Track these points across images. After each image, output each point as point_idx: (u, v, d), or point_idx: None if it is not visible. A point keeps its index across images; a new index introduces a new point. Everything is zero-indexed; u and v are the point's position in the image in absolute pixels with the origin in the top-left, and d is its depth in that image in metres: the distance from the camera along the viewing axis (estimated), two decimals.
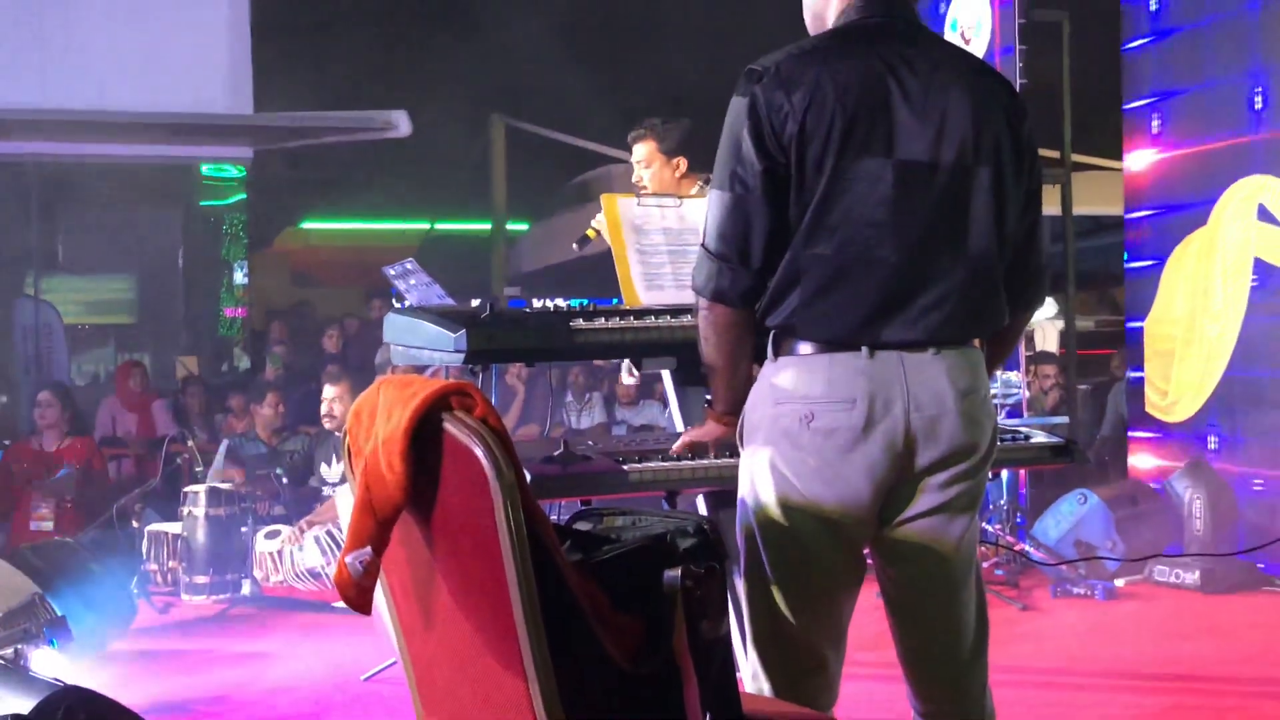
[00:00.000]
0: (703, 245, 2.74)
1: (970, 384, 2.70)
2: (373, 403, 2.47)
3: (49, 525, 8.04)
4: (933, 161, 2.66)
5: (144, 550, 7.53)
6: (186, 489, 7.49)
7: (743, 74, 2.70)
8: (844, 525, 2.68)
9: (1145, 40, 8.09)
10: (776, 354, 2.72)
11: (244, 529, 7.34)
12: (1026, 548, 7.29)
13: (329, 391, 7.89)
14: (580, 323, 3.31)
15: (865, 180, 2.63)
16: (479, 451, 2.29)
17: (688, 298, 3.31)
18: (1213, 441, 7.57)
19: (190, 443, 8.23)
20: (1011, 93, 2.83)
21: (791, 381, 2.68)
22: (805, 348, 2.68)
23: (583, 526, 2.82)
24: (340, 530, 7.10)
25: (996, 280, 2.76)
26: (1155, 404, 8.02)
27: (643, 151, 4.74)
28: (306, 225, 22.93)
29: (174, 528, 7.49)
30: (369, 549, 2.40)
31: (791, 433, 2.66)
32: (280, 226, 21.27)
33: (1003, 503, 7.55)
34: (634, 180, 4.80)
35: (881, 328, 2.65)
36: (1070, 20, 8.93)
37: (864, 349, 2.64)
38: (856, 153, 2.63)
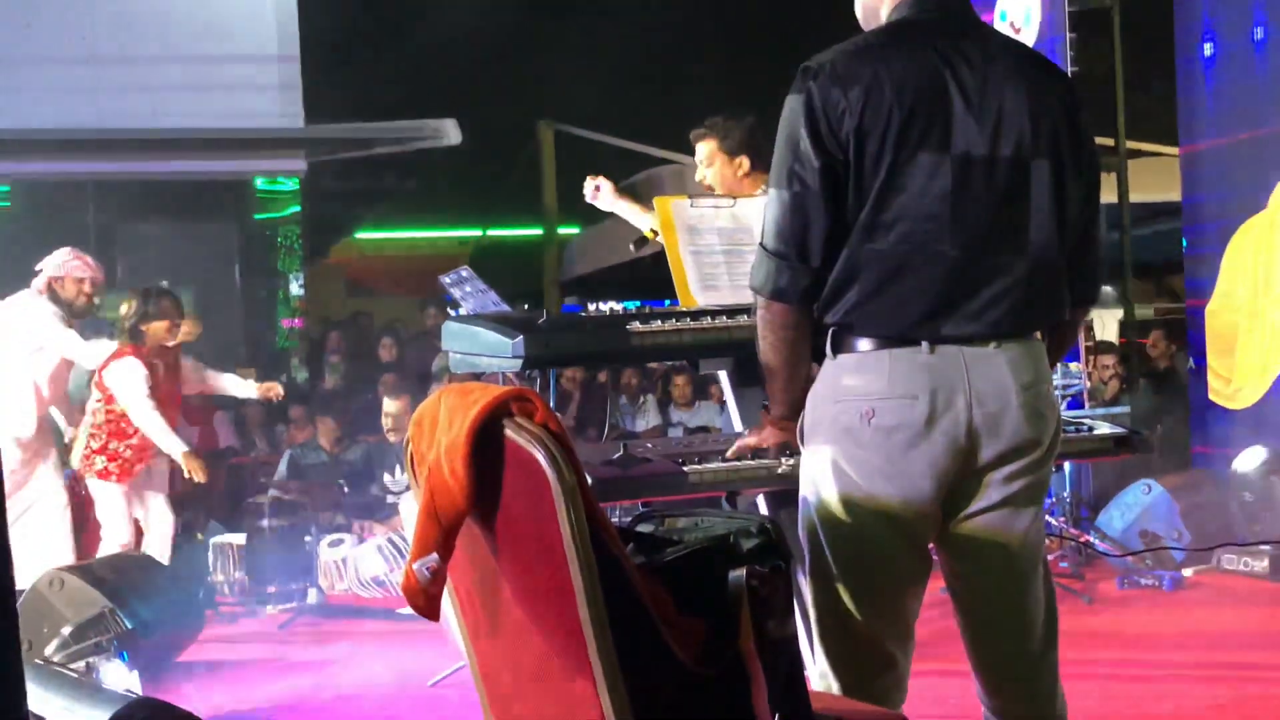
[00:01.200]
0: (761, 244, 2.72)
1: (1033, 377, 2.68)
2: (434, 411, 2.49)
3: None
4: (991, 155, 2.64)
5: (210, 562, 7.60)
6: (250, 500, 7.55)
7: (799, 71, 2.69)
8: (908, 522, 2.67)
9: (1198, 23, 7.99)
10: (836, 351, 2.70)
11: (307, 538, 7.40)
12: (1091, 539, 7.23)
13: (390, 406, 7.92)
14: (637, 325, 3.32)
15: (923, 175, 2.62)
16: (540, 456, 2.30)
17: (743, 298, 3.31)
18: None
19: (253, 454, 8.29)
20: (1068, 84, 2.82)
21: (852, 378, 2.66)
22: (865, 344, 2.66)
23: (644, 528, 2.82)
24: (402, 538, 7.14)
25: (1059, 272, 2.74)
26: (1218, 391, 7.93)
27: (705, 150, 4.69)
28: (360, 235, 23.07)
29: (239, 539, 7.56)
30: (435, 555, 2.41)
31: (853, 430, 2.65)
32: (335, 237, 21.41)
33: (1066, 494, 7.49)
34: (697, 179, 4.78)
35: (942, 323, 2.63)
36: (1120, 6, 8.86)
37: (924, 344, 2.62)
38: (914, 148, 2.62)
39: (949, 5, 2.77)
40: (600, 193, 4.82)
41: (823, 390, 2.72)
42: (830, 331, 2.71)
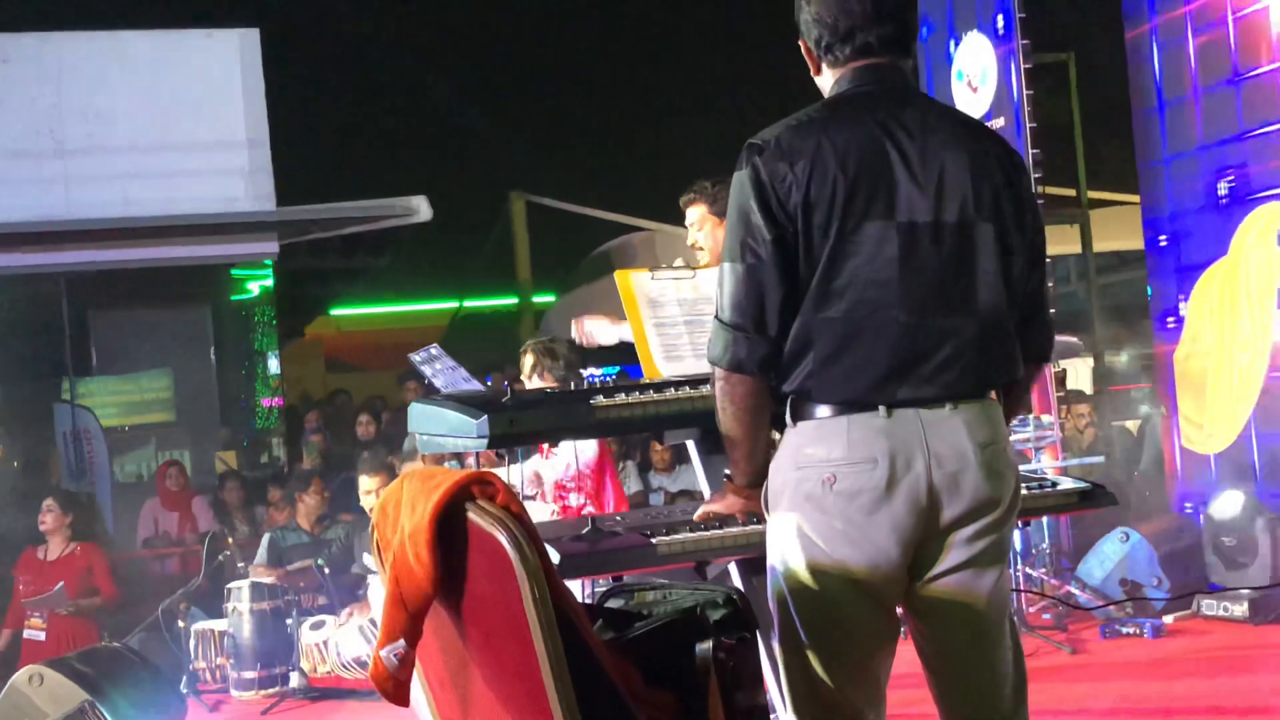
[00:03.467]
0: (716, 317, 2.77)
1: (989, 436, 2.72)
2: (397, 496, 2.51)
3: (41, 636, 7.97)
4: (935, 220, 2.71)
5: (191, 649, 7.55)
6: (230, 585, 7.52)
7: (744, 147, 2.76)
8: (874, 585, 2.69)
9: (1151, 74, 8.11)
10: (795, 419, 2.74)
11: (289, 621, 7.37)
12: (1072, 590, 7.24)
13: (368, 483, 7.82)
14: (601, 400, 3.33)
15: (870, 243, 2.68)
16: (503, 538, 2.33)
17: (707, 367, 3.32)
18: (1251, 469, 7.52)
19: (230, 539, 8.25)
20: (1007, 149, 2.88)
21: (812, 445, 2.70)
22: (823, 410, 2.70)
23: (614, 604, 2.85)
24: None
25: (1008, 332, 2.80)
26: (1190, 436, 7.98)
27: (695, 214, 4.74)
28: (337, 312, 23.12)
29: (220, 624, 7.52)
30: (402, 642, 2.43)
31: (815, 496, 2.68)
32: (311, 315, 21.48)
33: (1045, 546, 7.50)
34: (688, 243, 4.80)
35: (896, 387, 2.67)
36: (1075, 61, 8.98)
37: (881, 409, 2.66)
38: (860, 217, 2.68)
39: (887, 78, 2.83)
40: (596, 334, 4.73)
41: (784, 458, 2.75)
42: (789, 400, 2.75)
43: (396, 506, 2.50)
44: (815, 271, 2.69)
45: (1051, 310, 2.98)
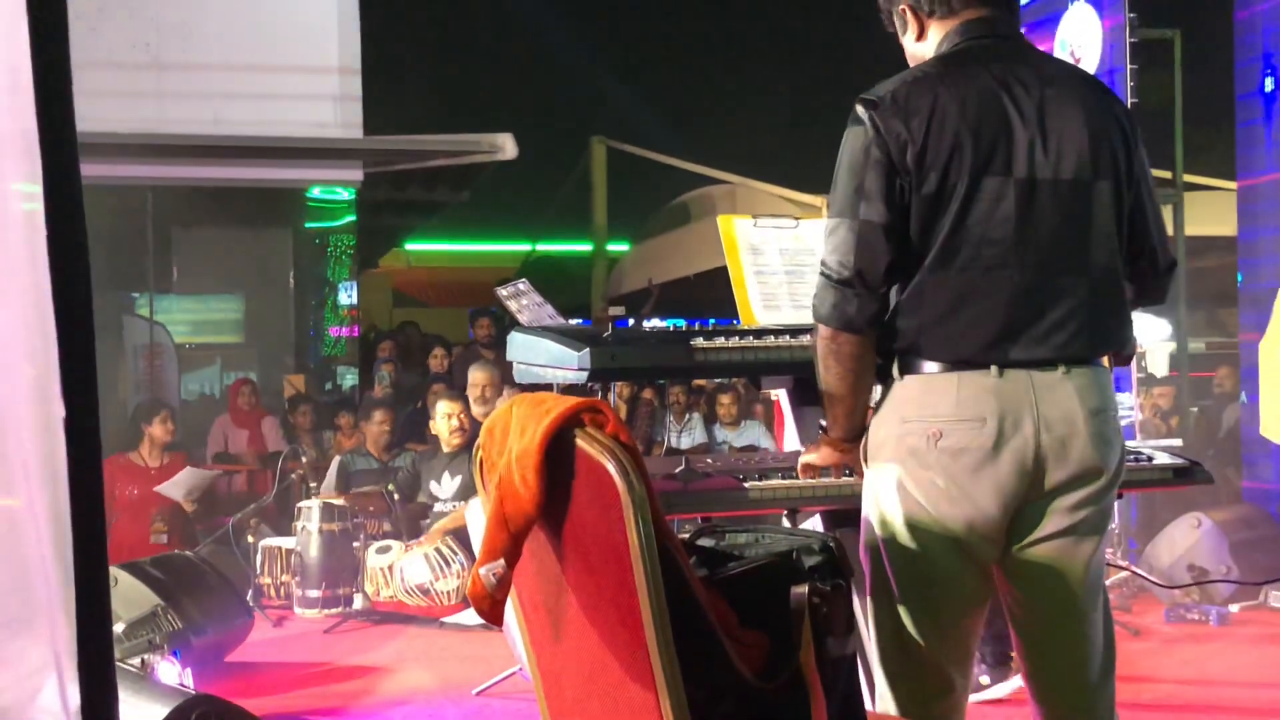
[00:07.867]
0: (823, 274, 2.72)
1: (1100, 403, 2.69)
2: (506, 419, 2.52)
3: (164, 539, 8.17)
4: (1053, 178, 2.67)
5: (258, 564, 7.67)
6: (300, 504, 7.62)
7: (857, 102, 2.71)
8: (971, 545, 2.68)
9: (1259, 59, 7.96)
10: (902, 373, 2.72)
11: (355, 544, 7.46)
12: (1139, 571, 7.19)
13: (448, 407, 7.99)
14: (700, 342, 3.33)
15: (987, 200, 2.64)
16: (611, 467, 2.33)
17: (804, 318, 3.32)
18: None
19: (304, 459, 8.34)
20: (1123, 107, 2.85)
21: (918, 400, 2.68)
22: (932, 366, 2.68)
23: (705, 543, 2.85)
24: (449, 546, 7.18)
25: (1121, 294, 2.77)
26: (1269, 426, 7.87)
27: None
28: (410, 247, 23.22)
29: (288, 543, 7.63)
30: (502, 561, 2.45)
31: (919, 451, 2.67)
32: (386, 247, 21.58)
33: (1114, 526, 7.45)
34: None
35: (1009, 347, 2.65)
36: (1181, 38, 8.83)
37: (993, 368, 2.64)
38: (977, 173, 2.64)
39: (1000, 31, 2.80)
40: None
41: (889, 411, 2.74)
42: (897, 353, 2.73)
43: (505, 429, 2.51)
44: (931, 229, 2.65)
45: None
